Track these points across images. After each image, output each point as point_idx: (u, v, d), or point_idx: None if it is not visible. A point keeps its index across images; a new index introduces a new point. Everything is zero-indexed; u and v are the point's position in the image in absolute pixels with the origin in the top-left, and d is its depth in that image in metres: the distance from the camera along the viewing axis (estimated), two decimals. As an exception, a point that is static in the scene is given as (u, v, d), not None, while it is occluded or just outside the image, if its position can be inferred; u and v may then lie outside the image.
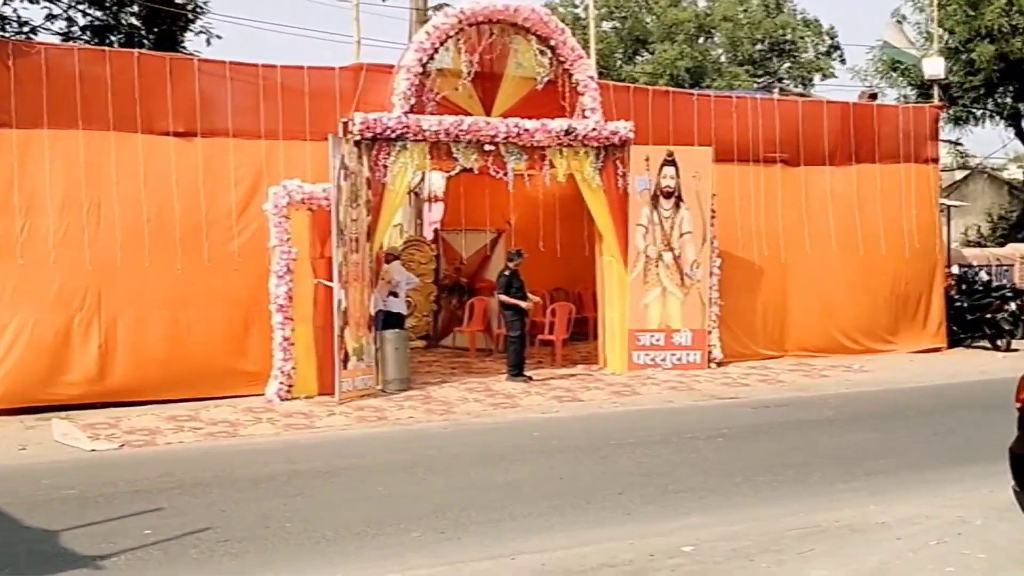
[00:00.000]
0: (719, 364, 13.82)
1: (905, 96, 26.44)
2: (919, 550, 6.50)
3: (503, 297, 12.51)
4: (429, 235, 17.02)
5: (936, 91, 17.66)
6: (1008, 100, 26.48)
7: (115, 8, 19.17)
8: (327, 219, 11.29)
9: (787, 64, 32.76)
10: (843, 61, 33.46)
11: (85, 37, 19.00)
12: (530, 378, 12.33)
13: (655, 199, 13.17)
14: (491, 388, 12.24)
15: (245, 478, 9.12)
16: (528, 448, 10.23)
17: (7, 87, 11.00)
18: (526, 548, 6.73)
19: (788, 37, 32.61)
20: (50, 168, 11.24)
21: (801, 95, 25.77)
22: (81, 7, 19.09)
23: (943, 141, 20.94)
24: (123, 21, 19.64)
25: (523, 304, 12.50)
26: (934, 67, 16.58)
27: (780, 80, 30.29)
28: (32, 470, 9.60)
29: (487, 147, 12.32)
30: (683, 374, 13.23)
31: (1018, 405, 6.07)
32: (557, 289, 16.08)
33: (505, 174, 12.61)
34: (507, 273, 12.65)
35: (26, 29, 18.51)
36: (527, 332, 12.90)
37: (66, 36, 18.81)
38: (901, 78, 26.38)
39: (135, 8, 19.21)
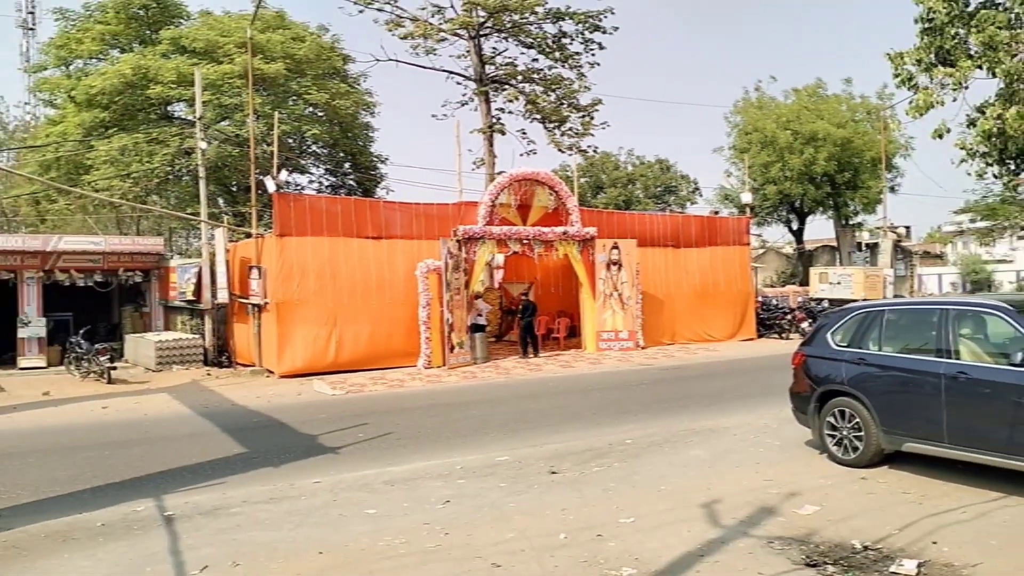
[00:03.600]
0: (643, 348, 22.83)
1: (731, 212, 44.30)
2: (745, 440, 9.89)
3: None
4: (496, 285, 25.96)
5: (747, 210, 29.70)
6: (784, 213, 47.59)
7: (341, 176, 30.79)
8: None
9: (673, 197, 53.37)
10: (700, 194, 55.94)
11: (327, 191, 30.83)
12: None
13: (608, 266, 22.72)
14: (528, 362, 20.97)
15: (408, 408, 13.27)
16: (548, 391, 15.49)
17: (289, 216, 19.72)
18: (547, 442, 10.21)
19: (673, 184, 53.78)
20: (311, 255, 19.80)
21: (680, 212, 45.96)
22: (322, 176, 32.37)
23: (752, 234, 33.40)
24: (345, 182, 31.69)
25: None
26: (746, 198, 28.82)
27: (669, 205, 49.15)
28: (303, 405, 14.40)
29: (524, 241, 21.81)
30: (624, 354, 21.88)
31: (793, 365, 9.37)
32: (560, 311, 25.45)
33: (533, 254, 22.18)
34: (527, 300, 23.12)
35: (298, 188, 31.24)
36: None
37: (318, 190, 30.96)
38: (729, 203, 47.34)
39: (352, 176, 30.73)
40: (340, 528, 6.85)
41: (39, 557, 6.33)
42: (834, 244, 51.03)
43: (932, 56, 13.94)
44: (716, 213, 37.10)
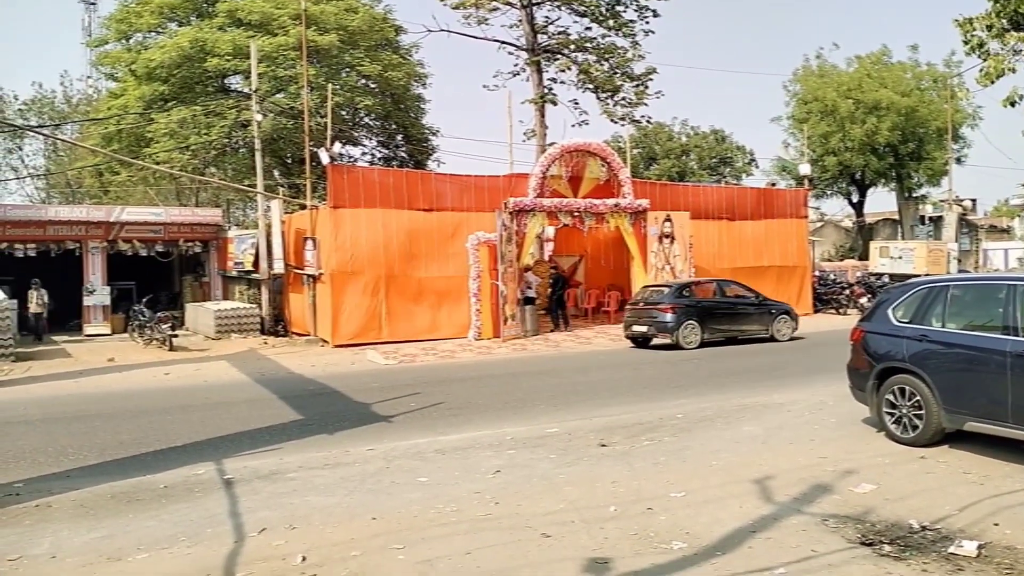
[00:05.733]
0: (694, 322, 23.18)
1: (789, 184, 42.46)
2: (800, 416, 9.74)
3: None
4: (547, 258, 26.30)
5: (806, 182, 28.98)
6: (843, 185, 45.92)
7: (394, 147, 31.22)
8: (496, 251, 20.41)
9: (728, 168, 51.89)
10: (757, 166, 53.44)
11: (379, 163, 31.05)
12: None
13: (660, 238, 22.51)
14: (578, 335, 21.15)
15: (460, 378, 13.88)
16: (598, 364, 15.85)
17: (343, 187, 20.00)
18: (597, 414, 10.19)
19: (729, 155, 52.01)
20: (364, 227, 20.12)
21: (736, 184, 43.12)
22: (374, 148, 32.87)
23: (810, 207, 33.30)
24: (397, 154, 32.11)
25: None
26: (805, 169, 28.15)
27: (724, 176, 47.76)
28: (357, 374, 15.10)
29: (575, 214, 21.69)
30: (676, 328, 22.26)
31: (851, 341, 8.96)
32: (611, 285, 25.47)
33: (584, 226, 22.14)
34: (557, 273, 23.01)
35: (351, 160, 31.55)
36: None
37: (371, 162, 31.27)
38: (787, 175, 45.26)
39: (403, 148, 31.28)
40: (393, 495, 6.98)
41: (106, 517, 6.58)
42: (896, 217, 49.56)
43: (1004, 21, 13.31)
44: (773, 185, 36.27)
